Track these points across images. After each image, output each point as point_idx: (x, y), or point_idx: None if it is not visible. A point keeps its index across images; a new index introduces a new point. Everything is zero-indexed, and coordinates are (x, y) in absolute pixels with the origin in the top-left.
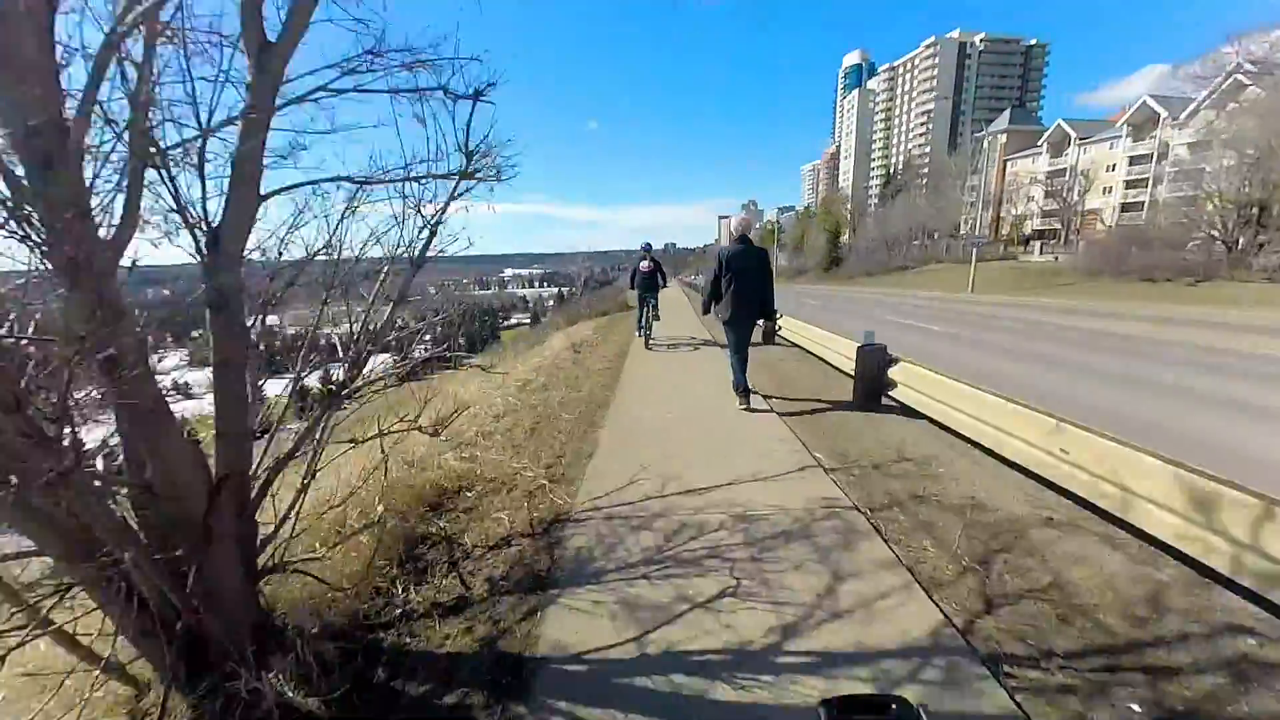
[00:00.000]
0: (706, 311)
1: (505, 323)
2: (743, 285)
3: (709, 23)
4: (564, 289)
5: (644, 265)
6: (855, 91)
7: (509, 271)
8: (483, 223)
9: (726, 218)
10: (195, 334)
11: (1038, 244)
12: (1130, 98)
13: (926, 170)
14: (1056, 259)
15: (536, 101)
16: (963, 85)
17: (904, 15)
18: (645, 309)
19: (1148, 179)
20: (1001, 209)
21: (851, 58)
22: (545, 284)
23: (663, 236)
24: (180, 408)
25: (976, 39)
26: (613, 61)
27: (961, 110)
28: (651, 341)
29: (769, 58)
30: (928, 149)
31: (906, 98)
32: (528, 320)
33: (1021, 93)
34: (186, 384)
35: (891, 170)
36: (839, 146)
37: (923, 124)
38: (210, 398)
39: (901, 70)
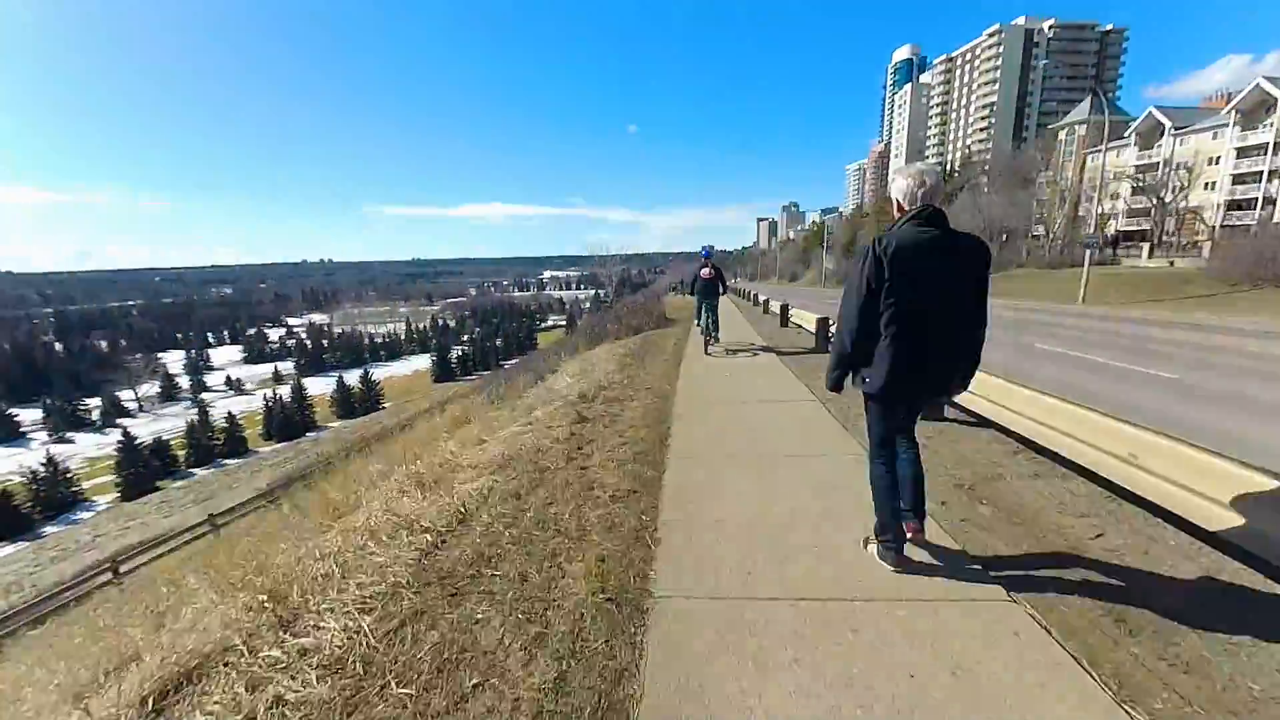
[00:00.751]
0: (837, 387)
1: (542, 325)
2: (931, 317)
3: (751, 19)
4: (599, 291)
5: (705, 272)
6: (908, 86)
7: (547, 273)
8: (524, 225)
9: (765, 220)
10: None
11: (1145, 246)
12: (1208, 90)
13: (987, 167)
14: (1172, 264)
15: (578, 108)
16: (1029, 76)
17: (956, 6)
18: (705, 315)
19: (1261, 172)
20: (1080, 207)
21: (901, 52)
22: (583, 286)
23: (700, 239)
24: None
25: (1045, 25)
26: (652, 67)
27: (1028, 103)
28: (711, 348)
29: (812, 55)
30: (988, 145)
31: (965, 90)
32: (564, 322)
33: (1097, 84)
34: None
35: (948, 167)
36: (888, 144)
37: (984, 118)
38: None
39: (960, 61)
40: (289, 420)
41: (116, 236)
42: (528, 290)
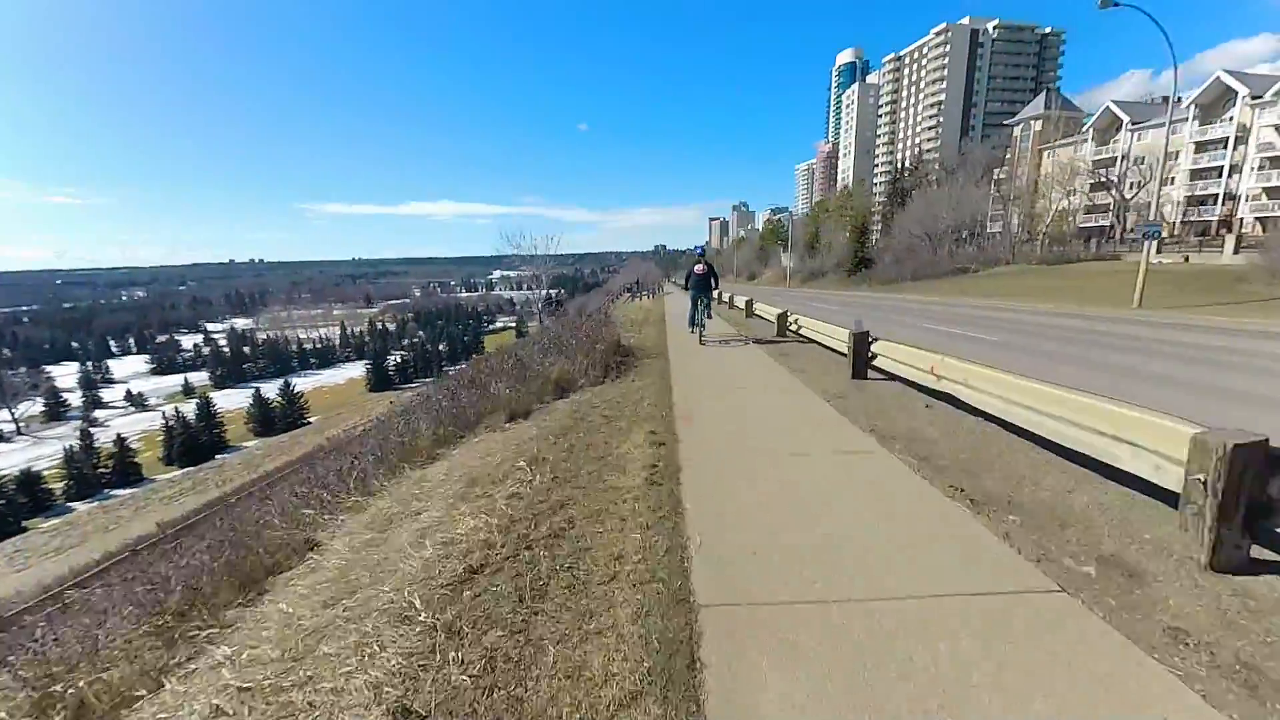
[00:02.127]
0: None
1: (490, 327)
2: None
3: (697, 23)
4: (553, 291)
5: (698, 268)
6: (855, 86)
7: (497, 273)
8: (475, 225)
9: (716, 219)
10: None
11: (1151, 244)
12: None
13: (937, 164)
14: (1187, 259)
15: (529, 105)
16: (974, 75)
17: (897, 11)
18: (697, 308)
19: (1221, 167)
20: (1036, 204)
21: (845, 55)
22: (535, 286)
23: (654, 238)
24: None
25: (989, 26)
26: (602, 66)
27: (974, 102)
28: (704, 336)
29: (759, 60)
30: (938, 143)
31: (914, 89)
32: (513, 324)
33: (1036, 84)
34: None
35: (898, 165)
36: (837, 144)
37: (932, 116)
38: None
39: (908, 60)
40: (193, 441)
41: (15, 235)
42: (476, 291)
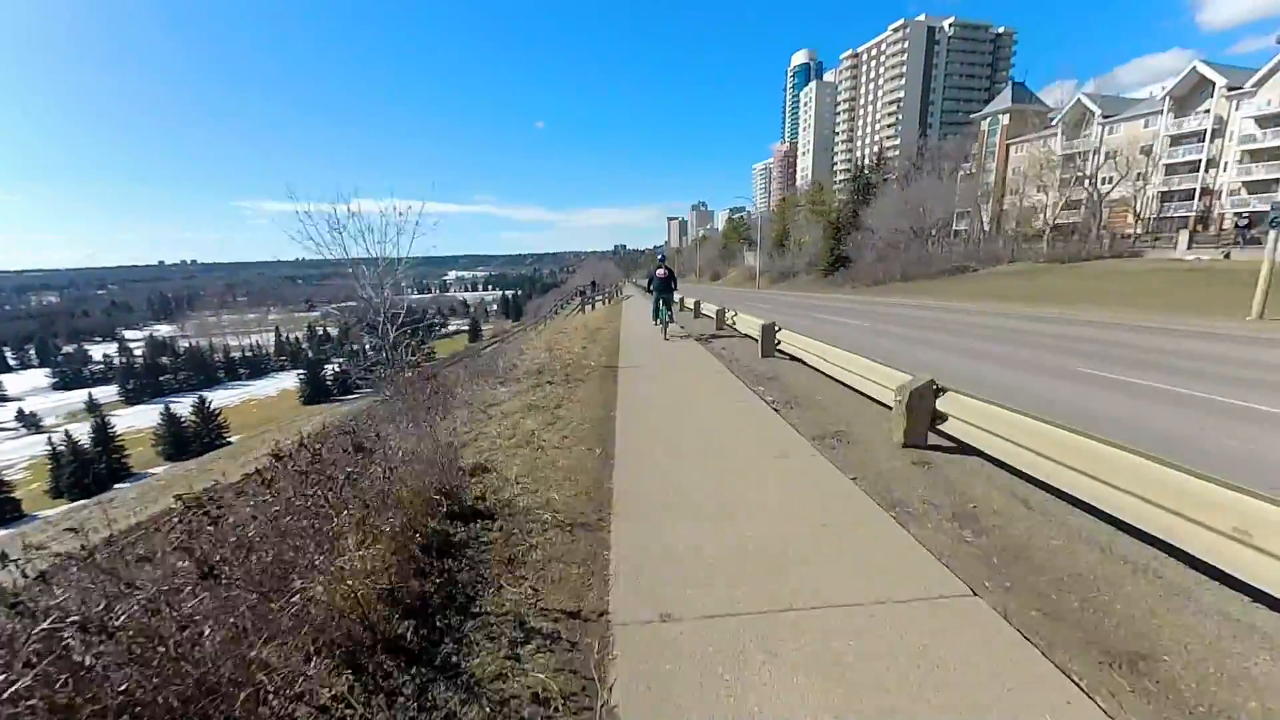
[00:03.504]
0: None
1: (442, 331)
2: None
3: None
4: (509, 293)
5: (660, 272)
6: (813, 84)
7: (452, 274)
8: (426, 224)
9: (675, 219)
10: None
11: (1183, 235)
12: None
13: (906, 158)
14: (1227, 255)
15: (483, 100)
16: (932, 73)
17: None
18: (661, 306)
19: (1198, 161)
20: (1005, 200)
21: (799, 57)
22: (490, 286)
23: (613, 238)
24: None
25: (945, 24)
26: (560, 62)
27: (931, 100)
28: (669, 332)
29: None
30: (897, 140)
31: (872, 86)
32: (466, 327)
33: (991, 82)
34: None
35: (858, 162)
36: (795, 143)
37: (891, 113)
38: None
39: (865, 57)
40: (87, 469)
41: None
42: (428, 292)
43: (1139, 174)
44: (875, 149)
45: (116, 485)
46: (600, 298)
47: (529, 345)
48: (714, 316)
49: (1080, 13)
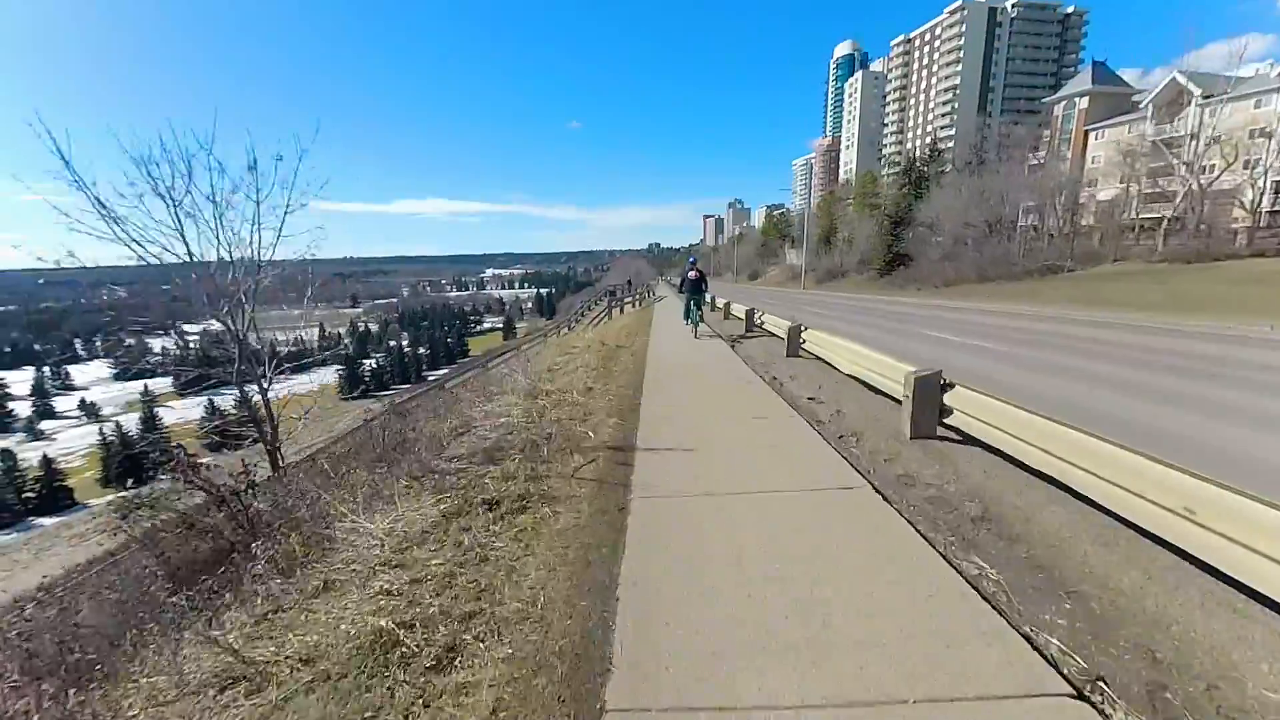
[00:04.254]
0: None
1: (476, 328)
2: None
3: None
4: (544, 291)
5: (691, 274)
6: (859, 74)
7: (489, 271)
8: (466, 223)
9: (711, 217)
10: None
11: None
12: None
13: (951, 151)
14: None
15: (520, 102)
16: (992, 58)
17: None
18: (692, 307)
19: None
20: (1080, 193)
21: (843, 48)
22: (526, 284)
23: (646, 237)
24: None
25: (1008, 4)
26: (595, 63)
27: (991, 86)
28: (699, 331)
29: (753, 56)
30: (953, 130)
31: (925, 73)
32: (500, 324)
33: (1059, 67)
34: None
35: (910, 154)
36: (838, 138)
37: (946, 101)
38: None
39: (919, 43)
40: (138, 458)
41: None
42: (466, 290)
43: (1248, 160)
44: (929, 139)
45: (162, 475)
46: (631, 298)
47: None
48: (744, 318)
49: None
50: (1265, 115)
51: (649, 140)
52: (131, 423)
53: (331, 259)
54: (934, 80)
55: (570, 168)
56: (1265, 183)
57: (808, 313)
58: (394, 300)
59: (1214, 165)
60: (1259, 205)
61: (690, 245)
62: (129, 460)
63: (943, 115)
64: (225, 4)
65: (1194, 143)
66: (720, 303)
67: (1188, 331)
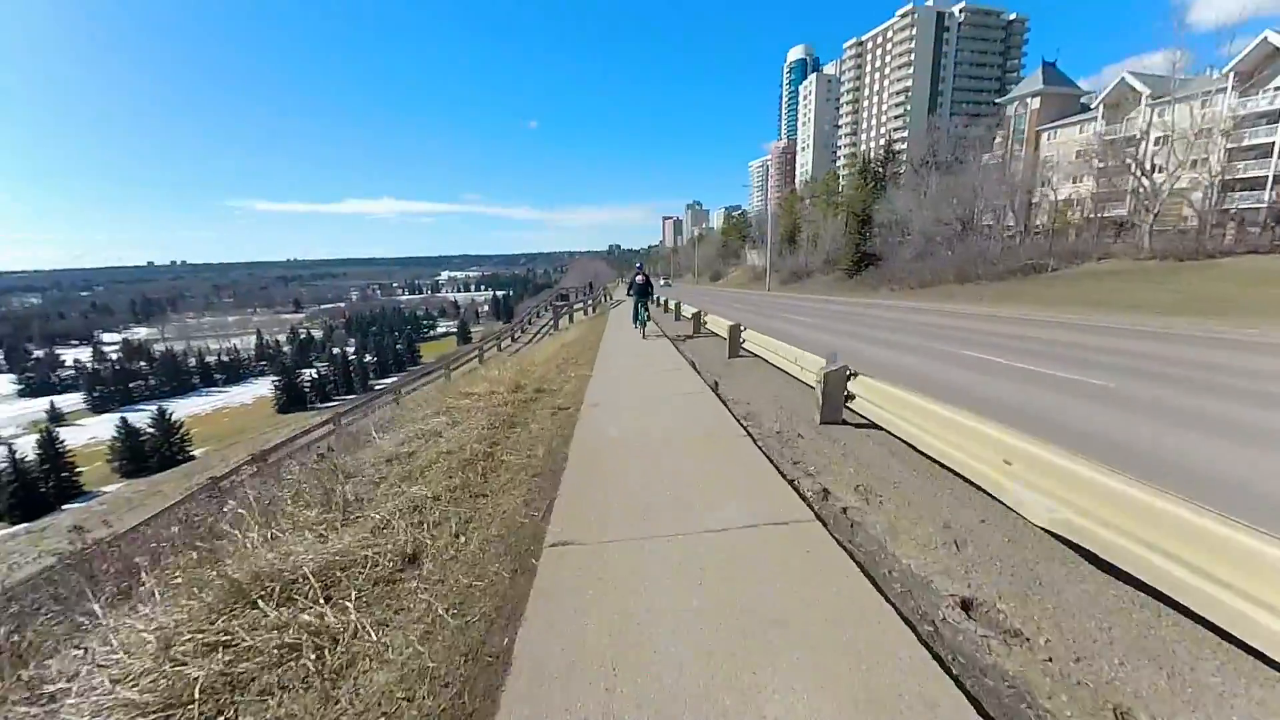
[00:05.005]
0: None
1: (429, 333)
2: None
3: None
4: (500, 294)
5: (638, 278)
6: (813, 77)
7: (445, 274)
8: (419, 224)
9: (670, 218)
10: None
11: None
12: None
13: (905, 153)
14: None
15: (476, 99)
16: (941, 61)
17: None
18: (638, 310)
19: (1272, 144)
20: (1033, 193)
21: (795, 52)
22: (483, 287)
23: (606, 238)
24: None
25: (956, 9)
26: (552, 60)
27: (939, 90)
28: (647, 333)
29: (710, 58)
30: (905, 131)
31: (878, 75)
32: (455, 329)
33: (1002, 72)
34: None
35: (865, 156)
36: (794, 139)
37: (899, 104)
38: None
39: (870, 45)
40: (30, 489)
41: None
42: (420, 293)
43: (1195, 160)
44: (884, 140)
45: (64, 506)
46: (585, 303)
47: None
48: (690, 319)
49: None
50: (1210, 115)
51: (607, 141)
52: (31, 446)
53: (274, 261)
54: (886, 83)
55: (528, 168)
56: (1207, 180)
57: (790, 323)
58: (341, 305)
59: (1160, 165)
60: (1205, 204)
61: (649, 247)
62: (22, 490)
63: (895, 117)
64: None
65: (1145, 141)
66: (676, 305)
67: (1221, 337)
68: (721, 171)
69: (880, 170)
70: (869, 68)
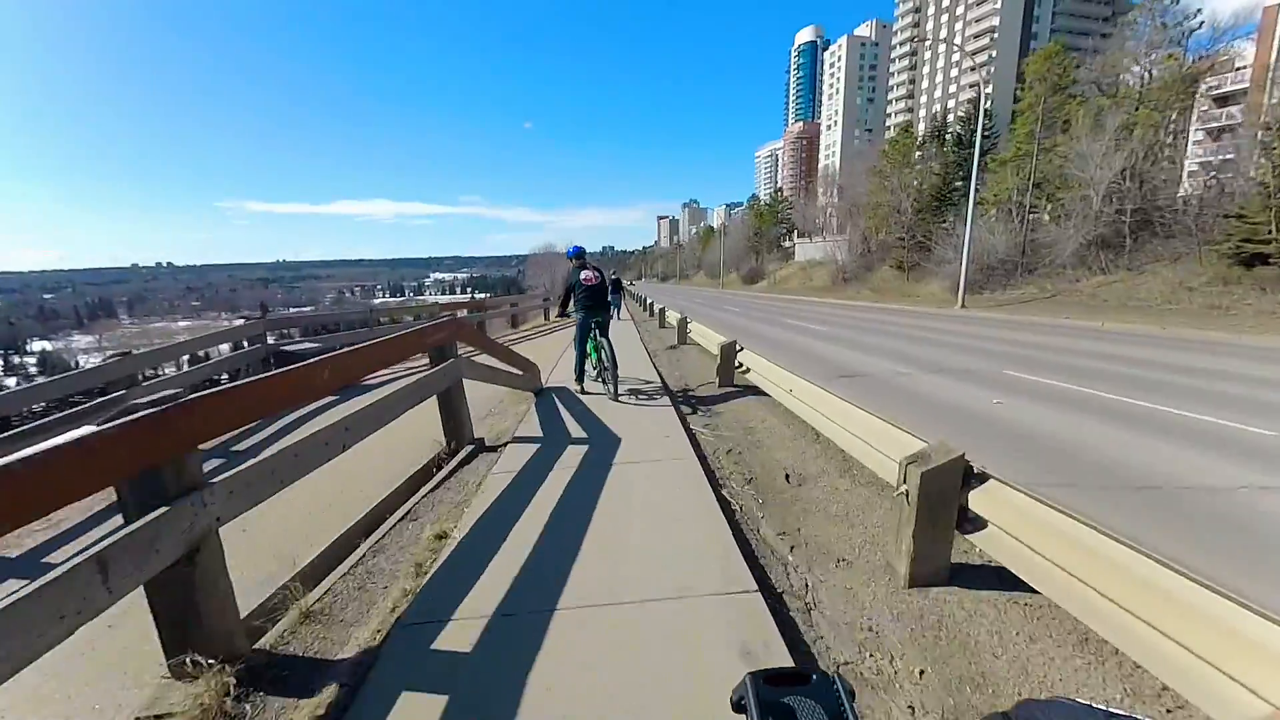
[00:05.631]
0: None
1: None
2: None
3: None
4: (475, 293)
5: (586, 275)
6: (843, 41)
7: (433, 276)
8: (413, 225)
9: (665, 217)
10: None
11: None
12: None
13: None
14: None
15: (470, 101)
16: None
17: None
18: (590, 341)
19: None
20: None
21: (804, 34)
22: (470, 289)
23: (601, 239)
24: None
25: None
26: (549, 59)
27: (1034, 33)
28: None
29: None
30: (989, 86)
31: (946, 19)
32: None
33: (1113, 6)
34: None
35: (939, 119)
36: (812, 122)
37: (984, 48)
38: None
39: None
40: None
41: None
42: (402, 295)
43: None
44: (957, 99)
45: None
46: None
47: None
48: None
49: None
50: None
51: (603, 142)
52: None
53: (260, 263)
54: (958, 25)
55: (525, 170)
56: None
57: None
58: (307, 310)
59: None
60: None
61: (644, 248)
62: None
63: (971, 68)
64: None
65: None
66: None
67: None
68: (718, 171)
69: (958, 133)
70: (934, 10)
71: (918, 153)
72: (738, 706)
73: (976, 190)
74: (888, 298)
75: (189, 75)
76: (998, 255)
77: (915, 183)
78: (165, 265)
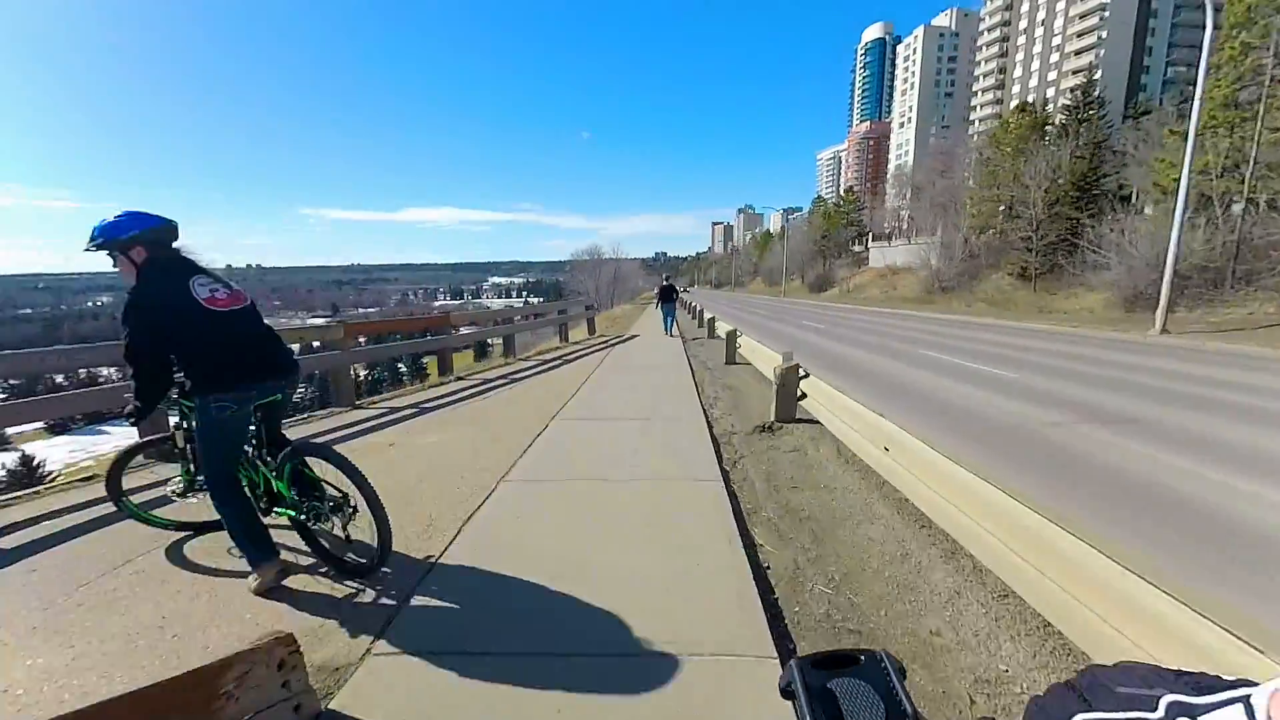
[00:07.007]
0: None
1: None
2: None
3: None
4: (535, 299)
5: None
6: (920, 30)
7: (490, 280)
8: (474, 231)
9: (719, 223)
10: None
11: None
12: None
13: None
14: None
15: (532, 113)
16: None
17: None
18: (666, 316)
19: None
20: None
21: (872, 31)
22: (525, 293)
23: (653, 245)
24: None
25: None
26: (607, 71)
27: (1153, 9)
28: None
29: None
30: (1098, 71)
31: (1041, 2)
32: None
33: None
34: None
35: (1036, 110)
36: (881, 122)
37: (1092, 28)
38: None
39: None
40: None
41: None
42: (461, 298)
43: None
44: (1059, 85)
45: None
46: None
47: None
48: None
49: None
50: None
51: (658, 149)
52: None
53: (337, 265)
54: (1061, 4)
55: (581, 178)
56: None
57: None
58: (374, 310)
59: None
60: None
61: (697, 254)
62: None
63: (1080, 53)
64: None
65: None
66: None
67: None
68: (774, 176)
69: (1087, 115)
70: None
71: (1043, 136)
72: (786, 693)
73: (1190, 168)
74: (1018, 314)
75: (273, 89)
76: (1194, 260)
77: (1049, 169)
78: (255, 267)
